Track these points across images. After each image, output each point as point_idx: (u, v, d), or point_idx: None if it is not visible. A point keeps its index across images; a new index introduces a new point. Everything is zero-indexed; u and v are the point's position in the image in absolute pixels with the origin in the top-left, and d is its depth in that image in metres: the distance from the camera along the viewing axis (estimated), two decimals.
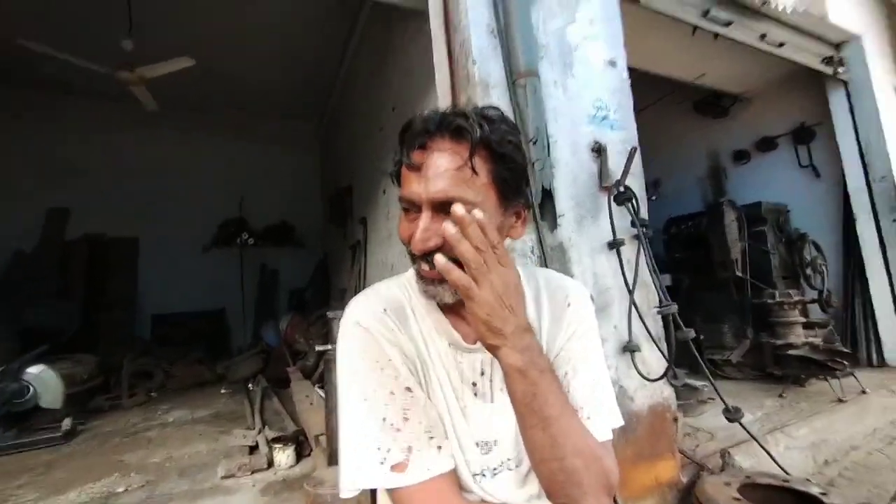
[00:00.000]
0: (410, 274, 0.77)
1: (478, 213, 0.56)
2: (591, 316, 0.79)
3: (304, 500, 1.66)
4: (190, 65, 3.88)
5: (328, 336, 2.65)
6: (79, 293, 5.26)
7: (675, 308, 1.66)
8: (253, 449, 2.61)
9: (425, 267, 0.67)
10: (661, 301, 1.74)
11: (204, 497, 2.18)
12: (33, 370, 3.27)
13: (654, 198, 3.65)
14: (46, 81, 5.27)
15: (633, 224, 1.80)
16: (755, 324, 3.39)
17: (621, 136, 1.96)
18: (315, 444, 2.42)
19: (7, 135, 5.37)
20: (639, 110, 2.09)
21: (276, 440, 2.50)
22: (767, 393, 3.00)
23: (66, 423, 3.19)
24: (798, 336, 3.14)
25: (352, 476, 0.64)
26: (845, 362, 2.86)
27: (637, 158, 1.93)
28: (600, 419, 0.71)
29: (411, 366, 0.70)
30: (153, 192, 5.95)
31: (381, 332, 0.69)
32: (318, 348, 2.29)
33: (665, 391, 1.86)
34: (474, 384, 0.74)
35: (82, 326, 4.93)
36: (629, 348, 1.76)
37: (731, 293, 3.54)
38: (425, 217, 0.64)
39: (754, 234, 3.59)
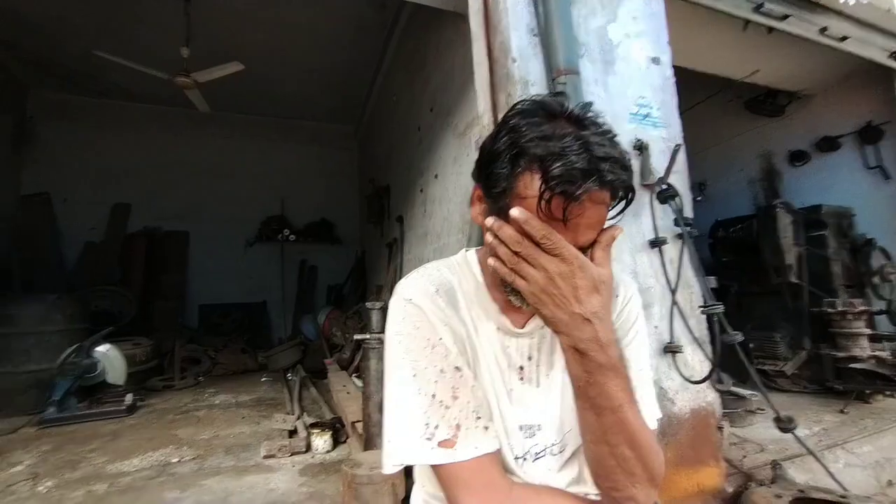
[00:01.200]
0: (460, 257, 0.79)
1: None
2: (640, 308, 0.80)
3: (342, 481, 1.72)
4: (239, 69, 4.11)
5: (365, 328, 2.73)
6: (137, 281, 5.66)
7: (720, 308, 1.61)
8: (292, 433, 2.73)
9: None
10: (705, 301, 1.68)
11: (248, 473, 2.30)
12: (101, 349, 3.56)
13: (699, 199, 3.50)
14: (110, 90, 5.73)
15: (676, 223, 1.76)
16: (813, 334, 3.20)
17: (664, 134, 1.92)
18: (351, 431, 2.50)
19: (76, 139, 5.87)
20: (685, 110, 2.04)
21: (315, 426, 2.60)
22: (826, 407, 2.81)
23: (129, 399, 3.46)
24: (863, 349, 2.92)
25: (397, 452, 0.65)
26: None
27: (681, 156, 1.88)
28: (646, 409, 0.71)
29: (460, 346, 0.71)
30: (203, 190, 6.33)
31: (433, 310, 0.70)
32: (357, 337, 2.36)
33: (709, 396, 1.80)
34: (521, 368, 0.75)
35: (139, 313, 5.30)
36: (670, 349, 1.72)
37: (785, 301, 3.35)
38: None
39: (813, 239, 3.37)
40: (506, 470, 0.71)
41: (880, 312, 3.20)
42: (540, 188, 0.57)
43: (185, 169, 6.29)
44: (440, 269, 0.78)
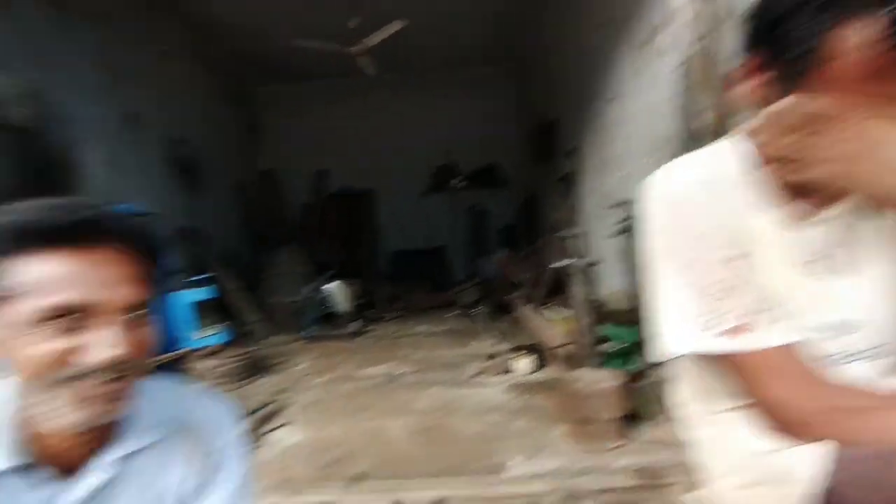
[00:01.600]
0: (723, 144, 0.69)
1: None
2: None
3: (559, 394, 1.81)
4: (402, 26, 4.25)
5: (564, 253, 2.73)
6: (340, 234, 6.78)
7: None
8: (490, 357, 2.99)
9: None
10: None
11: (461, 387, 2.63)
12: (330, 286, 4.42)
13: None
14: (305, 74, 6.65)
15: None
16: None
17: None
18: (550, 356, 2.61)
19: (288, 121, 7.11)
20: None
21: (517, 349, 2.78)
22: None
23: (354, 326, 4.26)
24: None
25: (673, 343, 0.63)
26: None
27: None
28: None
29: (733, 237, 0.63)
30: (382, 150, 7.05)
31: (697, 201, 0.64)
32: (555, 265, 2.37)
33: None
34: (823, 259, 0.64)
35: (344, 260, 6.39)
36: None
37: None
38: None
39: None
40: None
41: None
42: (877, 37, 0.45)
43: (366, 132, 7.09)
44: (702, 157, 0.69)
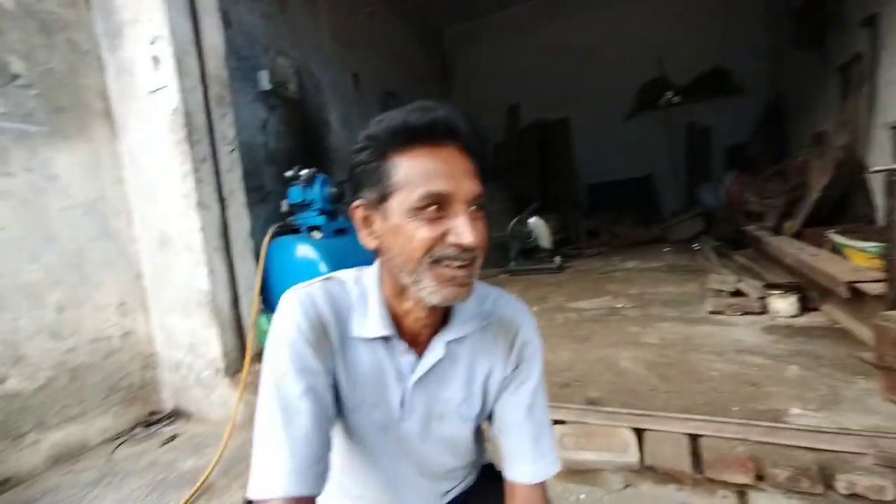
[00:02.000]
0: None
1: None
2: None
3: (876, 331, 1.38)
4: None
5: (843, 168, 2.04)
6: (535, 168, 6.63)
7: None
8: (734, 294, 2.52)
9: None
10: None
11: (698, 324, 2.31)
12: (532, 220, 4.42)
13: None
14: (480, 6, 6.40)
15: None
16: None
17: None
18: (827, 296, 2.03)
19: (477, 57, 7.06)
20: None
21: (774, 287, 2.28)
22: None
23: (557, 260, 4.21)
24: None
25: None
26: None
27: None
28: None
29: None
30: (577, 74, 6.42)
31: None
32: (877, 169, 1.76)
33: None
34: None
35: (540, 194, 6.25)
36: None
37: None
38: None
39: None
40: None
41: None
42: None
43: (559, 58, 6.54)
44: None
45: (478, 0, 6.29)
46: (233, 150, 2.26)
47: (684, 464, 1.38)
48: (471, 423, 0.70)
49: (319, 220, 2.50)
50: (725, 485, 1.32)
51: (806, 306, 2.26)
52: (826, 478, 1.21)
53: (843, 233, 2.26)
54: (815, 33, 3.68)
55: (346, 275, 0.68)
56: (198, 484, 1.67)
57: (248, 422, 1.99)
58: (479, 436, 0.79)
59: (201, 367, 2.20)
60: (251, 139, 2.89)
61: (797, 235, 3.07)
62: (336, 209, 2.59)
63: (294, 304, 0.61)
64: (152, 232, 2.23)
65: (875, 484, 1.17)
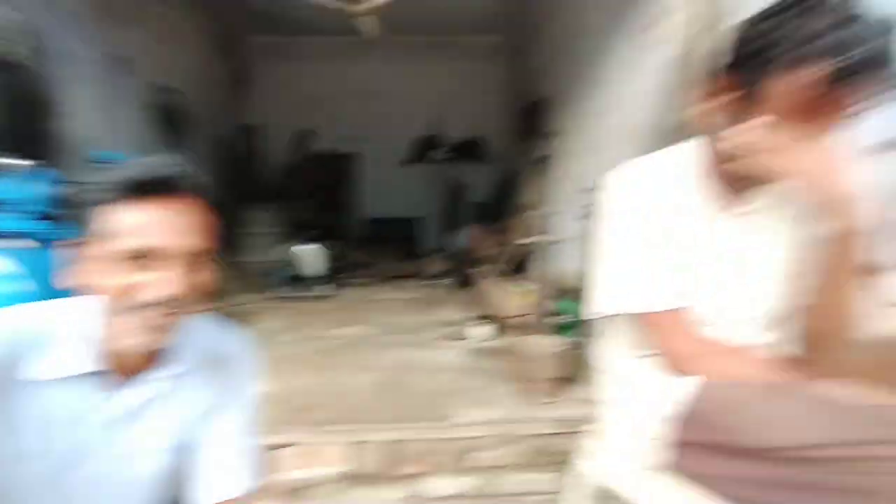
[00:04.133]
0: (690, 146, 0.86)
1: None
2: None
3: (509, 358, 2.03)
4: None
5: (516, 238, 2.91)
6: (319, 197, 6.78)
7: None
8: (453, 324, 3.20)
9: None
10: None
11: (423, 349, 2.83)
12: (304, 248, 4.52)
13: None
14: (291, 26, 6.43)
15: None
16: None
17: None
18: (505, 325, 2.83)
19: (275, 76, 6.93)
20: None
21: (475, 318, 3.00)
22: None
23: (326, 289, 4.40)
24: None
25: (603, 304, 0.84)
26: None
27: None
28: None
29: (667, 228, 0.81)
30: (368, 113, 6.97)
31: (646, 196, 0.82)
32: (521, 241, 2.56)
33: None
34: (738, 248, 0.82)
35: (321, 223, 6.42)
36: None
37: None
38: None
39: None
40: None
41: None
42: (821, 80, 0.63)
43: (353, 94, 6.97)
44: (663, 156, 0.86)
45: (284, 19, 6.17)
46: None
47: (382, 466, 1.71)
48: (177, 458, 0.74)
49: (34, 225, 2.00)
50: (409, 476, 1.71)
51: (498, 333, 3.04)
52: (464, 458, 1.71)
53: (515, 279, 3.18)
54: (528, 133, 5.09)
55: (60, 306, 0.68)
56: None
57: None
58: (186, 473, 0.80)
59: None
60: None
61: (505, 277, 4.10)
62: (61, 215, 2.10)
63: None
64: None
65: (496, 454, 1.72)
